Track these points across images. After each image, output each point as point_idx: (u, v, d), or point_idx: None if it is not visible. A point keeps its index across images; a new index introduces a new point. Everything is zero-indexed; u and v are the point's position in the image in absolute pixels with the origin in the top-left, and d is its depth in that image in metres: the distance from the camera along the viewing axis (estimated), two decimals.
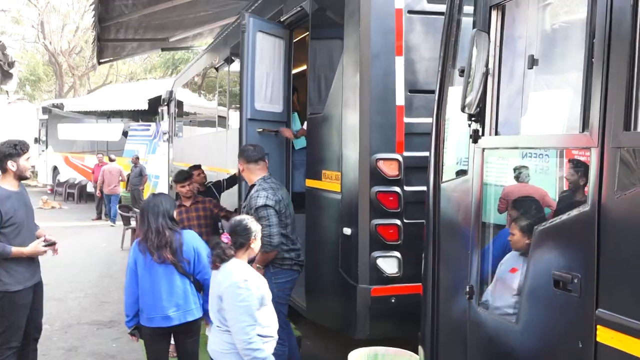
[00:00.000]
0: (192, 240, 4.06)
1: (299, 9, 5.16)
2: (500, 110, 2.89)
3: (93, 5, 7.10)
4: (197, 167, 6.88)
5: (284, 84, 5.72)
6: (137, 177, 15.49)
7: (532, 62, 2.71)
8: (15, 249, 4.29)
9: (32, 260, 4.51)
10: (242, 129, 5.39)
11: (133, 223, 11.44)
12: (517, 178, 2.95)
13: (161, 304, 3.93)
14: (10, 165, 4.39)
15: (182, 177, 6.03)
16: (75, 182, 20.51)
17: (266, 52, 5.50)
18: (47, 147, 23.22)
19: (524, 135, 2.88)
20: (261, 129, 5.47)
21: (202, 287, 4.08)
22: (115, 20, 7.87)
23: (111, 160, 16.08)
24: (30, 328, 4.61)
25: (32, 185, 24.40)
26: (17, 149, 4.41)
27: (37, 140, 23.89)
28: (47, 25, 31.89)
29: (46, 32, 31.81)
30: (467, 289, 2.92)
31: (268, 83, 5.56)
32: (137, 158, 15.96)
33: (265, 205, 4.31)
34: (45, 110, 23.04)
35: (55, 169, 22.47)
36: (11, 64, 14.39)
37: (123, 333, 6.46)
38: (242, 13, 5.41)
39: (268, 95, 5.58)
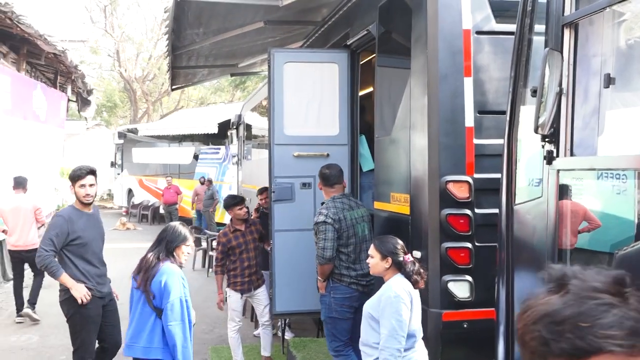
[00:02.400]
0: (163, 275, 3.75)
1: (365, 32, 5.19)
2: (576, 131, 2.81)
3: (167, 35, 7.36)
4: (265, 189, 6.96)
5: (342, 107, 5.83)
6: (209, 200, 15.85)
7: (609, 80, 2.63)
8: (63, 277, 4.48)
9: (99, 277, 4.68)
10: (271, 153, 5.79)
11: (204, 244, 11.71)
12: (593, 200, 2.86)
13: (129, 332, 3.82)
14: (70, 189, 4.63)
15: (239, 199, 6.18)
16: (149, 204, 21.17)
17: (306, 79, 5.81)
18: (122, 171, 24.13)
19: (601, 156, 2.79)
20: (297, 153, 5.74)
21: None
22: (187, 48, 8.12)
23: (201, 182, 16.55)
24: (108, 344, 4.79)
25: (108, 207, 25.35)
26: (74, 174, 4.62)
27: (113, 164, 24.88)
28: (123, 54, 33.31)
29: (121, 60, 33.23)
30: None
31: (311, 108, 5.83)
32: (210, 181, 16.36)
33: (324, 222, 4.67)
34: (120, 135, 23.99)
35: (130, 191, 23.28)
36: (89, 92, 15.17)
37: (196, 353, 6.58)
38: (269, 49, 5.86)
39: (312, 119, 5.85)
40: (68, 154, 20.32)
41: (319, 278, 4.79)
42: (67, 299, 4.60)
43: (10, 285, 9.82)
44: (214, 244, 11.60)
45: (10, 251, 8.29)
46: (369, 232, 4.95)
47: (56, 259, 4.52)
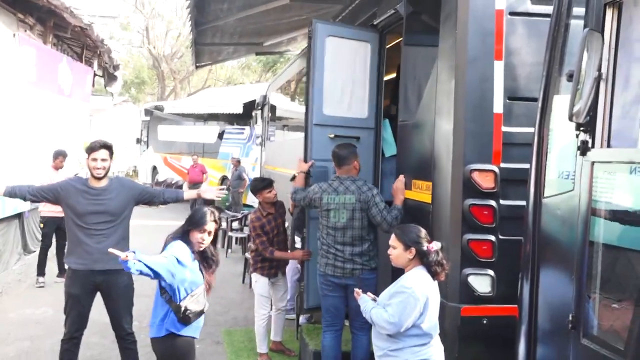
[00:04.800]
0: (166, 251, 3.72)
1: (393, 11, 4.98)
2: (614, 120, 2.61)
3: (188, 9, 7.22)
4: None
5: (371, 89, 5.55)
6: (237, 180, 15.72)
7: None
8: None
9: (86, 253, 4.63)
10: (308, 133, 5.35)
11: (224, 224, 11.63)
12: (630, 196, 2.64)
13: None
14: (86, 161, 4.69)
15: (268, 182, 5.96)
16: (173, 182, 21.15)
17: (343, 56, 5.42)
18: (147, 148, 24.21)
19: None
20: (332, 135, 5.39)
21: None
22: (211, 24, 7.99)
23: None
24: (114, 329, 4.81)
25: None
26: (89, 147, 4.69)
27: (138, 141, 24.97)
28: (152, 31, 33.35)
29: (151, 37, 33.29)
30: (570, 318, 2.64)
31: (346, 88, 5.47)
32: (238, 161, 16.20)
33: (307, 191, 5.01)
34: (147, 112, 24.05)
35: (154, 168, 23.37)
36: (116, 67, 15.12)
37: (208, 334, 6.51)
38: (312, 20, 5.38)
39: (346, 100, 5.48)
40: (95, 129, 20.40)
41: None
42: None
43: (30, 257, 10.00)
44: (234, 224, 11.57)
45: (46, 217, 8.81)
46: (348, 221, 4.68)
47: (18, 188, 4.67)
